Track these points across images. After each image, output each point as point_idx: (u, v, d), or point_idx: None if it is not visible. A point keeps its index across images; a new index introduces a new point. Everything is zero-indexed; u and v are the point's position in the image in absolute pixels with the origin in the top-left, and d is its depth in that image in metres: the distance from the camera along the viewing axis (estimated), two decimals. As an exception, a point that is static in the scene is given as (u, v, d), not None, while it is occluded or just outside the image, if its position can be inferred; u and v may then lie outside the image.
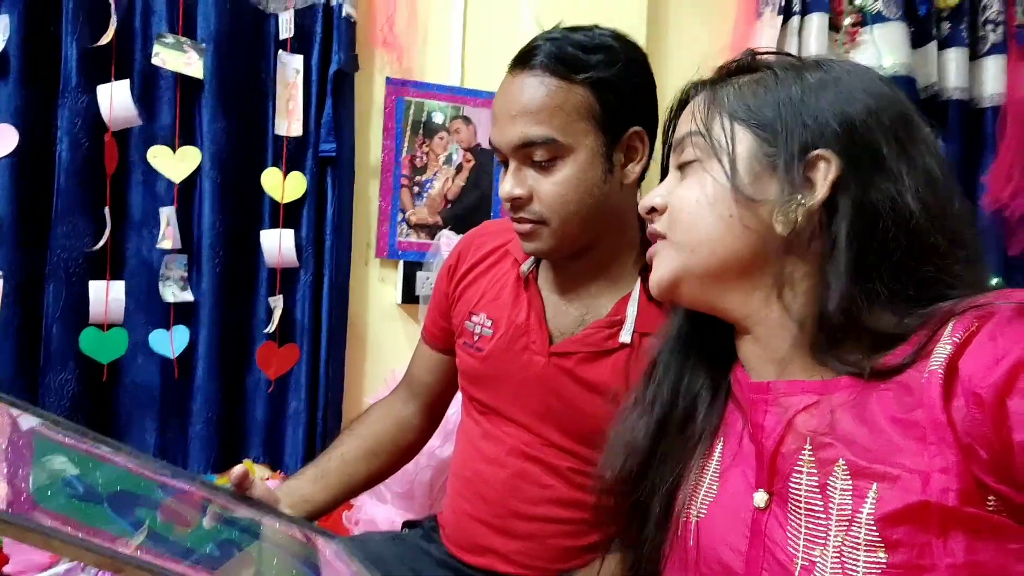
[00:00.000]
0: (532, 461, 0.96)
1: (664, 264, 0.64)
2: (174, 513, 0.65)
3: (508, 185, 0.89)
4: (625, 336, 0.91)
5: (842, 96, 0.57)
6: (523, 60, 0.89)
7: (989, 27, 1.98)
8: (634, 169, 0.91)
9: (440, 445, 1.38)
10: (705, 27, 1.90)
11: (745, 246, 0.59)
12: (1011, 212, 1.96)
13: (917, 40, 1.88)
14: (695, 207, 0.61)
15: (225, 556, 0.60)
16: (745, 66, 0.64)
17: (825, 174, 0.56)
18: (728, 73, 0.65)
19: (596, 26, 0.92)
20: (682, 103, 0.69)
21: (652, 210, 0.65)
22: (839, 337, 0.54)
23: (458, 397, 1.14)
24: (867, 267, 0.54)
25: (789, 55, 0.66)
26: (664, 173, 0.70)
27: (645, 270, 0.76)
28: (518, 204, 0.89)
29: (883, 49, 1.79)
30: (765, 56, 0.64)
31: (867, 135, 0.56)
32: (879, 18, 1.80)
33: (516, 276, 1.00)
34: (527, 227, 0.90)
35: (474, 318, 1.01)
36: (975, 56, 1.98)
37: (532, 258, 0.99)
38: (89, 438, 0.67)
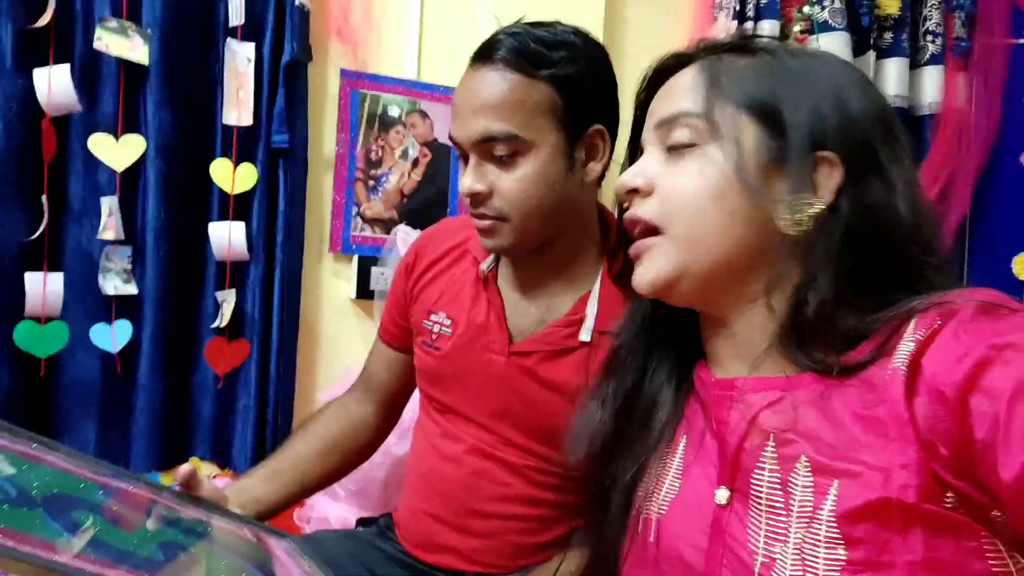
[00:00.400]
0: (490, 459, 0.95)
1: (662, 261, 0.59)
2: (115, 515, 0.63)
3: (468, 180, 0.88)
4: (585, 335, 0.91)
5: (841, 92, 0.56)
6: (485, 54, 0.88)
7: (929, 38, 2.05)
8: (595, 167, 0.91)
9: (395, 442, 1.36)
10: (662, 29, 1.92)
11: (749, 244, 0.56)
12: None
13: (858, 49, 1.94)
14: (698, 199, 0.57)
15: (169, 558, 0.57)
16: (740, 47, 0.61)
17: (828, 177, 0.55)
18: (721, 49, 0.61)
19: (558, 22, 0.91)
20: (660, 74, 0.64)
21: (633, 191, 0.60)
22: (811, 336, 0.54)
23: (415, 395, 1.13)
24: (853, 270, 0.54)
25: (783, 38, 0.64)
26: (633, 150, 0.65)
27: (627, 268, 0.71)
28: (478, 200, 0.88)
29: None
30: (759, 39, 0.61)
31: (866, 138, 0.55)
32: (826, 27, 1.85)
33: (475, 275, 0.98)
34: (487, 223, 0.89)
35: (433, 317, 1.00)
36: (915, 65, 2.06)
37: (491, 257, 0.98)
38: (23, 437, 0.64)
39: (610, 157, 0.93)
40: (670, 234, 0.58)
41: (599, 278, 0.94)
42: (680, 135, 0.58)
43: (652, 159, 0.61)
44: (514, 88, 0.85)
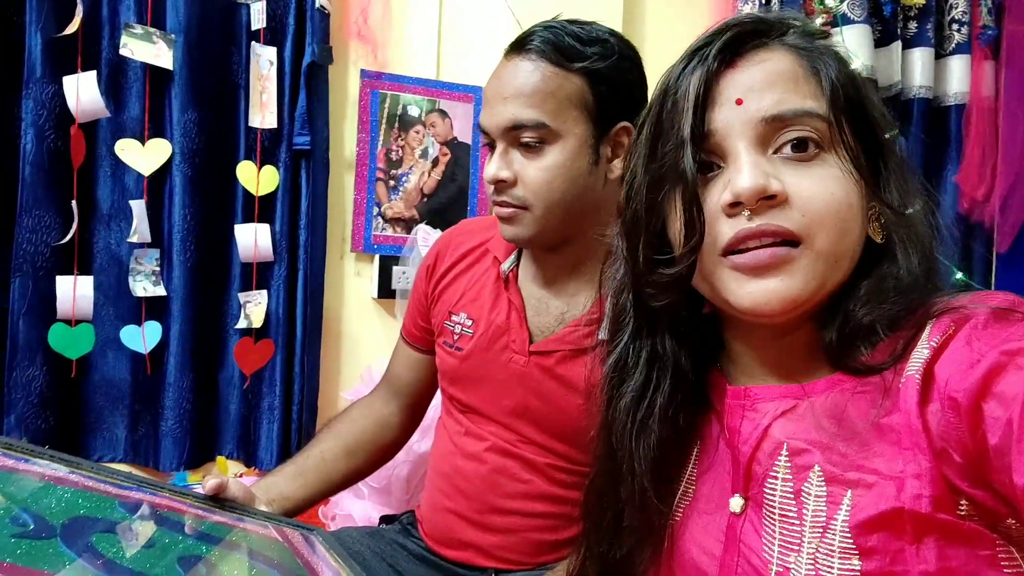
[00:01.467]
0: (511, 457, 0.97)
1: (806, 277, 0.51)
2: (133, 533, 0.64)
3: (494, 167, 0.89)
4: (604, 334, 0.92)
5: (875, 101, 0.55)
6: (519, 45, 0.89)
7: (955, 27, 2.01)
8: (618, 165, 0.90)
9: (418, 440, 1.38)
10: (682, 23, 1.91)
11: (856, 259, 0.54)
12: (991, 210, 2.00)
13: (882, 39, 1.91)
14: (840, 211, 0.51)
15: (187, 570, 0.58)
16: (810, 31, 0.56)
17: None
18: (811, 34, 0.55)
19: (594, 22, 0.92)
20: (733, 46, 0.54)
21: (769, 197, 0.51)
22: (857, 340, 0.53)
23: (438, 393, 1.14)
24: (864, 264, 0.54)
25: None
26: (697, 144, 0.54)
27: None
28: (502, 187, 0.89)
29: (851, 50, 1.81)
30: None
31: (878, 130, 0.55)
32: (846, 20, 1.82)
33: (496, 275, 0.99)
34: (508, 211, 0.90)
35: (454, 318, 1.01)
36: (940, 55, 2.02)
37: (512, 257, 0.99)
38: (45, 457, 0.64)
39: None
40: (814, 247, 0.51)
41: None
42: (803, 136, 0.52)
43: (764, 162, 0.52)
44: (546, 78, 0.86)
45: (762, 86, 0.53)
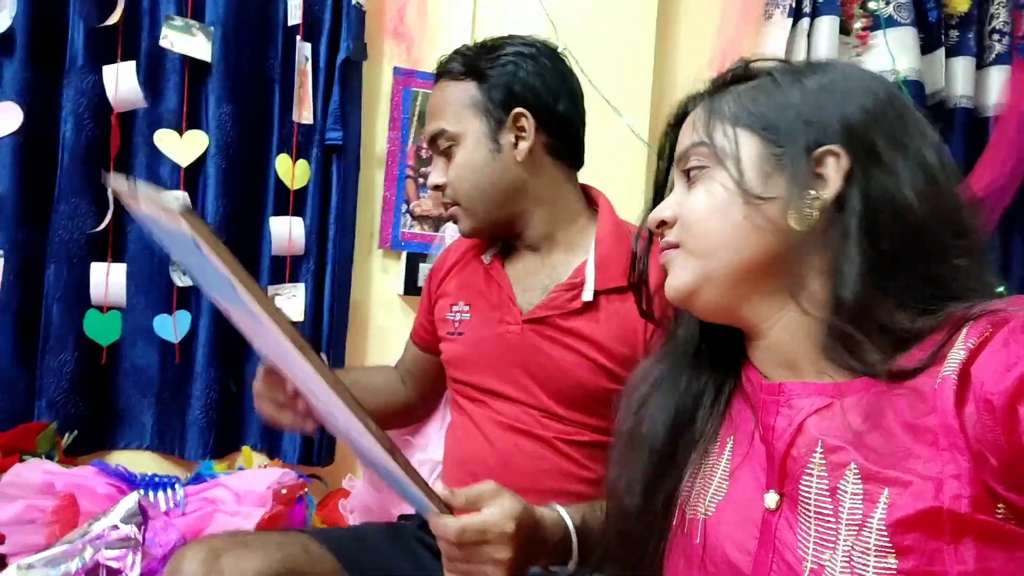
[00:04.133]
0: (522, 435, 1.01)
1: (681, 272, 0.63)
2: None
3: (432, 176, 1.06)
4: (587, 295, 0.99)
5: (839, 96, 0.58)
6: (437, 72, 1.06)
7: (996, 37, 1.98)
8: (524, 146, 1.01)
9: (436, 441, 1.38)
10: (715, 27, 1.90)
11: (760, 248, 0.59)
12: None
13: (926, 46, 1.88)
14: (706, 213, 0.61)
15: None
16: (741, 75, 0.65)
17: (836, 168, 0.57)
18: (724, 83, 0.66)
19: (510, 36, 1.05)
20: (679, 117, 0.69)
21: (662, 223, 0.66)
22: (853, 333, 0.54)
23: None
24: (877, 260, 0.54)
25: (783, 60, 0.67)
26: (659, 190, 0.72)
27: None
28: (440, 191, 1.05)
29: (896, 53, 1.78)
30: (760, 63, 0.65)
31: (864, 132, 0.57)
32: (891, 22, 1.80)
33: (484, 266, 1.10)
34: (449, 211, 1.06)
35: (453, 308, 1.11)
36: (981, 65, 1.99)
37: (490, 249, 1.10)
38: None
39: (544, 135, 1.03)
40: (686, 247, 0.63)
41: (592, 244, 1.03)
42: (691, 164, 0.64)
43: (676, 192, 0.67)
44: (446, 92, 1.03)
45: (680, 137, 0.68)
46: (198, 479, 1.47)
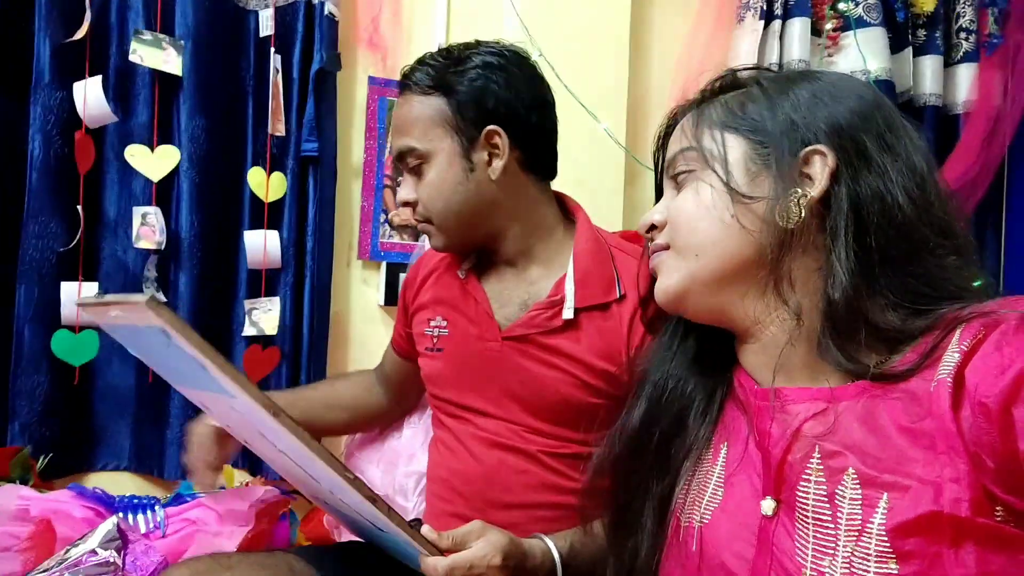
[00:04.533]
0: (506, 450, 1.00)
1: (670, 273, 0.65)
2: None
3: (400, 193, 1.03)
4: (568, 313, 0.98)
5: (827, 100, 0.59)
6: (400, 83, 1.01)
7: (962, 35, 2.01)
8: (499, 164, 0.97)
9: (420, 454, 1.37)
10: (687, 29, 1.90)
11: (747, 247, 0.59)
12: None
13: (894, 46, 1.91)
14: (694, 213, 0.63)
15: None
16: (729, 84, 0.66)
17: (822, 167, 0.57)
18: (712, 93, 0.67)
19: (476, 42, 1.01)
20: (669, 128, 0.71)
21: (652, 227, 0.67)
22: (845, 333, 0.54)
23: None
24: (867, 260, 0.55)
25: (769, 69, 0.67)
26: (658, 197, 0.73)
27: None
28: (411, 208, 1.02)
29: (867, 54, 1.81)
30: (747, 72, 0.66)
31: (853, 133, 0.57)
32: (861, 23, 1.82)
33: (460, 280, 1.07)
34: (421, 227, 1.03)
35: (432, 323, 1.09)
36: (949, 63, 2.02)
37: (466, 262, 1.07)
38: None
39: (517, 152, 0.99)
40: (674, 247, 0.65)
41: (570, 258, 1.00)
42: (680, 168, 0.65)
43: (665, 197, 0.69)
44: (412, 107, 0.98)
45: (669, 145, 0.70)
46: (178, 499, 1.44)
